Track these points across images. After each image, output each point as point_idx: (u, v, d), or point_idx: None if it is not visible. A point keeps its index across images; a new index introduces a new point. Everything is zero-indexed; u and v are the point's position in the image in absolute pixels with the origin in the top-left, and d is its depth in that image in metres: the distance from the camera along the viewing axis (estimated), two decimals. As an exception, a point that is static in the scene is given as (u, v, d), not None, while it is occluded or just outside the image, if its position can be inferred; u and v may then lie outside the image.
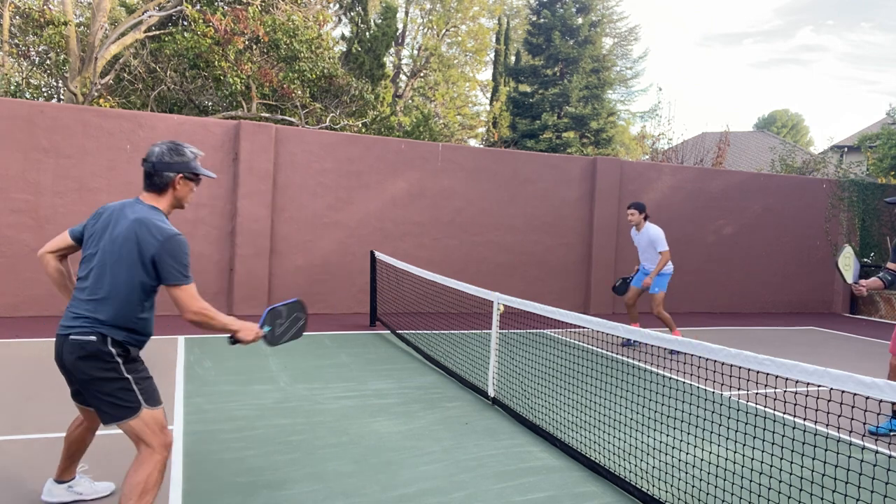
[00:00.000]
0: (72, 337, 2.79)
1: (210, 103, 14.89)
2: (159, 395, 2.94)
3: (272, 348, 7.36)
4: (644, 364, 7.27)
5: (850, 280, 5.24)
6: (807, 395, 4.04)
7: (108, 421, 2.83)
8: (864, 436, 4.69)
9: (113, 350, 2.79)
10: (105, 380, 2.78)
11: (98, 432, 4.32)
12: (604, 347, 7.98)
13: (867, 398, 2.50)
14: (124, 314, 2.81)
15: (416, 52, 29.74)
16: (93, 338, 2.77)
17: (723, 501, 3.55)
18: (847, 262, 5.30)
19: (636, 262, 12.34)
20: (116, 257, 2.81)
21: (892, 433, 5.22)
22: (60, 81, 15.26)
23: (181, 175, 2.96)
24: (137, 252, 2.78)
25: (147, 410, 2.83)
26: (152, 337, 6.02)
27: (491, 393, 5.46)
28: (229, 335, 2.96)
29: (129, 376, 2.81)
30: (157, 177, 2.93)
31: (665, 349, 7.71)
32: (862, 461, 3.25)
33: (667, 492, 3.77)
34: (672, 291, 12.58)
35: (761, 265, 13.08)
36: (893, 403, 5.11)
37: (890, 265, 5.40)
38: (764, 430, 3.55)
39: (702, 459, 4.08)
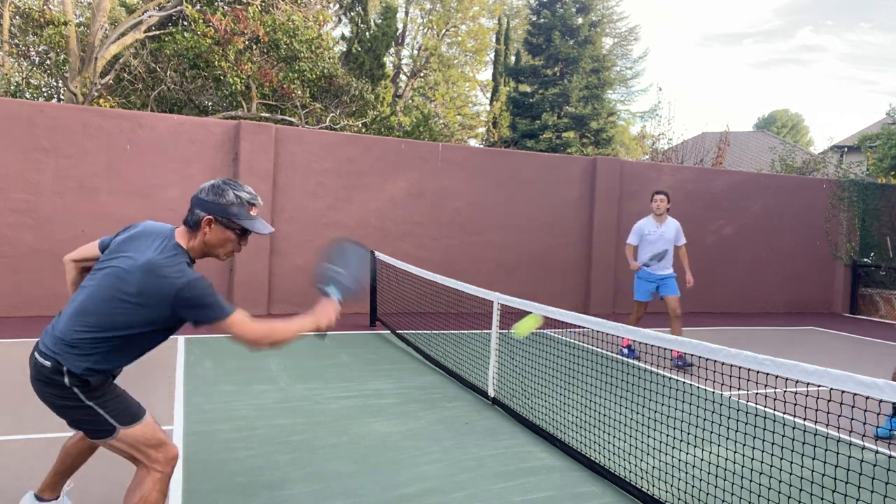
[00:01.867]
0: (36, 354, 2.54)
1: (210, 103, 14.89)
2: (137, 410, 2.63)
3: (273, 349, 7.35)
4: (644, 364, 7.27)
5: None
6: (807, 395, 4.04)
7: (92, 439, 2.62)
8: (864, 436, 4.69)
9: (67, 380, 2.47)
10: (67, 408, 2.52)
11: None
12: (604, 347, 7.98)
13: (867, 398, 2.50)
14: (96, 348, 2.48)
15: (416, 52, 29.74)
16: (48, 363, 2.47)
17: (723, 501, 3.55)
18: None
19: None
20: (112, 288, 2.47)
21: (893, 432, 5.18)
22: (60, 81, 15.26)
23: (210, 218, 2.58)
24: (132, 292, 2.44)
25: (126, 430, 2.55)
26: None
27: (491, 393, 5.46)
28: (314, 333, 2.70)
29: (90, 403, 2.51)
30: (190, 213, 2.62)
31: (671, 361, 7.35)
32: (862, 461, 3.25)
33: (667, 492, 3.77)
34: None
35: (761, 265, 13.09)
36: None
37: None
38: (764, 430, 3.55)
39: (702, 459, 4.08)
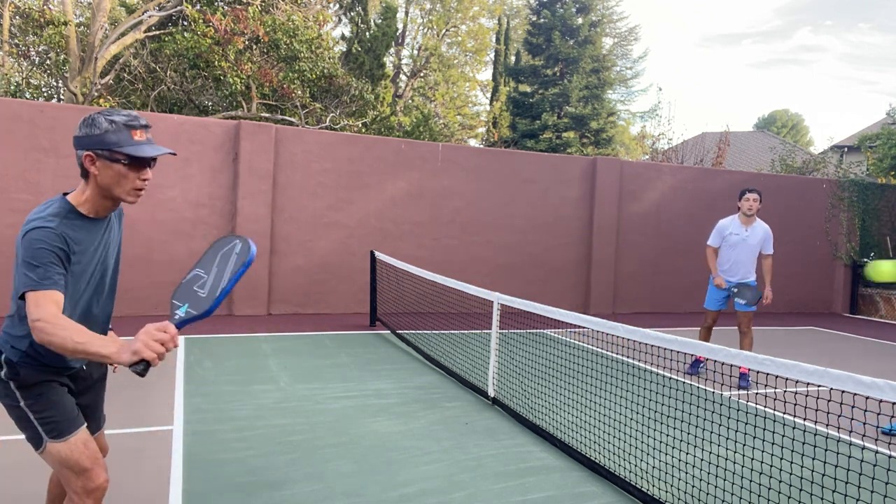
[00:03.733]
0: None
1: (210, 103, 14.89)
2: (68, 425, 2.38)
3: (273, 349, 7.35)
4: (644, 364, 7.27)
5: None
6: (807, 395, 4.04)
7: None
8: (864, 436, 4.69)
9: (3, 373, 2.33)
10: (8, 406, 2.37)
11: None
12: (604, 347, 7.97)
13: (867, 398, 2.49)
14: (15, 326, 2.33)
15: (416, 52, 29.75)
16: None
17: (723, 501, 3.55)
18: None
19: (639, 263, 12.40)
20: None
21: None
22: (60, 81, 15.26)
23: (90, 154, 2.22)
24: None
25: (52, 444, 2.34)
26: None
27: (491, 393, 5.46)
28: (135, 364, 1.95)
29: (23, 406, 2.34)
30: (76, 157, 2.27)
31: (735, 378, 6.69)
32: (862, 461, 3.25)
33: (667, 492, 3.77)
34: (674, 292, 12.61)
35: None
36: None
37: None
38: (764, 430, 3.55)
39: (702, 459, 4.07)
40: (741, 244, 6.67)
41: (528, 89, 23.99)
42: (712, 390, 6.10)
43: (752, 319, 6.78)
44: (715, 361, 7.31)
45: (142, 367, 1.92)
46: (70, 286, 2.27)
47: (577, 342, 8.45)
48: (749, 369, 6.60)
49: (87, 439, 2.42)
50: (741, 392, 6.29)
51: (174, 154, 2.41)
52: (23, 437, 2.45)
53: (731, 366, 3.06)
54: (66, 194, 2.35)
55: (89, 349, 1.99)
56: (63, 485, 2.41)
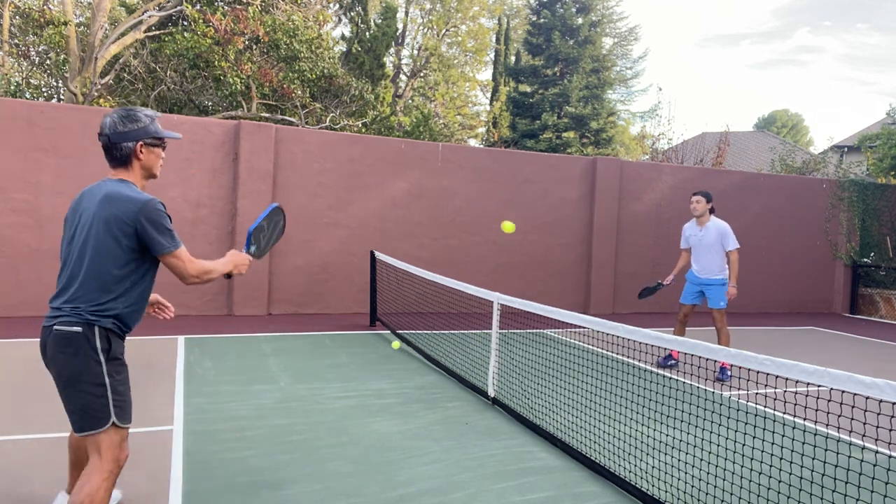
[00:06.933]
0: (56, 328, 2.57)
1: (210, 103, 14.89)
2: (131, 413, 2.71)
3: (273, 349, 7.36)
4: (644, 364, 7.27)
5: None
6: (807, 395, 4.05)
7: (77, 430, 2.60)
8: (864, 436, 4.69)
9: (99, 344, 2.56)
10: (84, 381, 2.55)
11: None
12: (604, 347, 7.97)
13: (867, 398, 2.50)
14: (107, 298, 2.60)
15: (416, 52, 29.75)
16: (78, 329, 2.55)
17: (723, 501, 3.55)
18: None
19: (639, 263, 12.40)
20: (92, 238, 2.59)
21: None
22: (60, 81, 15.26)
23: (141, 143, 2.71)
24: (113, 228, 2.57)
25: (116, 428, 2.62)
26: (153, 337, 6.11)
27: (491, 393, 5.46)
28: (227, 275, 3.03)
29: (107, 381, 2.58)
30: (115, 150, 2.70)
31: (714, 372, 6.86)
32: (862, 461, 3.25)
33: (667, 492, 3.77)
34: (674, 292, 12.57)
35: (761, 265, 13.08)
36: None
37: None
38: (764, 430, 3.55)
39: (702, 459, 4.07)
40: (699, 244, 7.23)
41: (528, 89, 23.99)
42: (712, 390, 6.10)
43: (724, 315, 7.17)
44: (715, 361, 7.31)
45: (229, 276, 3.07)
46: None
47: (577, 342, 8.44)
48: (731, 365, 6.87)
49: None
50: (741, 392, 6.29)
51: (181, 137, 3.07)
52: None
53: (732, 366, 3.06)
54: (118, 180, 2.78)
55: (223, 272, 2.99)
56: (97, 453, 2.59)
